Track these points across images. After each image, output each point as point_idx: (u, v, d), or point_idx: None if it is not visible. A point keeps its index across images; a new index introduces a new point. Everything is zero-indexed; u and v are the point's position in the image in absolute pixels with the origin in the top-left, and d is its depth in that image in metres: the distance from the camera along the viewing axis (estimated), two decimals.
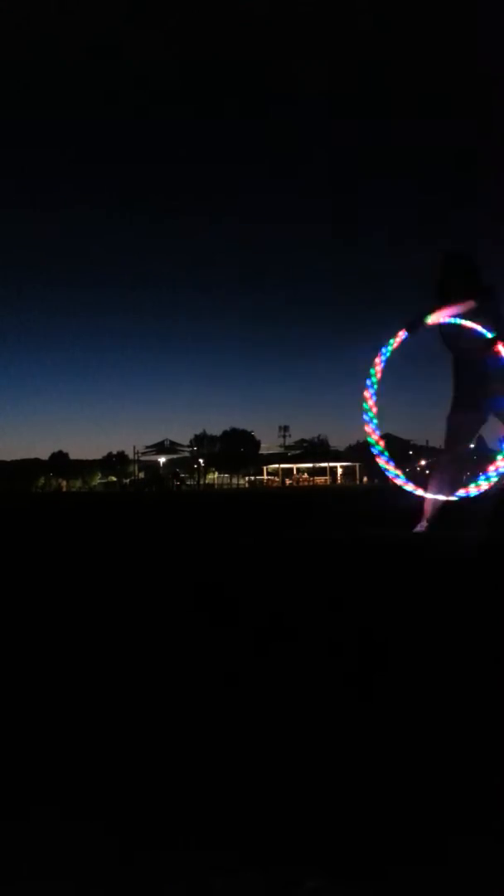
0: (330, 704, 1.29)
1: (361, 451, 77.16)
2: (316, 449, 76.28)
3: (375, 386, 4.49)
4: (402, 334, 4.49)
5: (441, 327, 4.44)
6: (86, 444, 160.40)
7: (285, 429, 77.76)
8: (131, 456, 78.71)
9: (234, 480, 71.35)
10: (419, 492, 4.38)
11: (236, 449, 69.89)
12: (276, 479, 70.83)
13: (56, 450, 77.82)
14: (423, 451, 76.65)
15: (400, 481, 4.43)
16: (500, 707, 1.26)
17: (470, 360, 4.38)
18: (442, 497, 4.31)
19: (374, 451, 4.56)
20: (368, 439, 4.58)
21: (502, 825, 0.81)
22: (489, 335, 4.27)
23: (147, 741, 1.10)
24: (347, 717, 1.21)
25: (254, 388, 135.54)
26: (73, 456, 78.47)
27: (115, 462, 76.97)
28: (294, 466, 72.03)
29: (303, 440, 80.00)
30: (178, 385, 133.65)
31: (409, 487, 4.42)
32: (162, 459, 77.51)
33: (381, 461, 4.48)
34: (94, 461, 78.48)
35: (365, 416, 4.48)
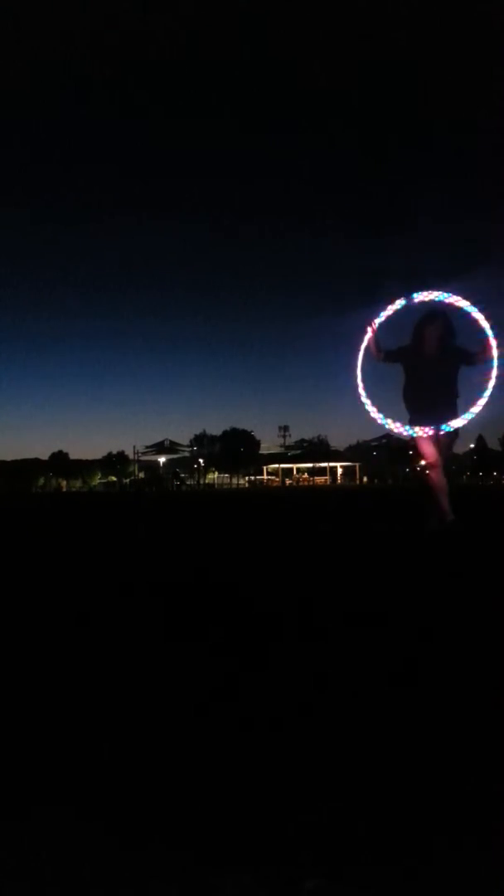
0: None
1: (361, 451, 77.22)
2: (316, 449, 76.13)
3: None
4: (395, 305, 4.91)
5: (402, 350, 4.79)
6: (86, 444, 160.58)
7: (285, 429, 77.75)
8: (131, 456, 78.63)
9: (234, 480, 71.24)
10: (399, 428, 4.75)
11: (236, 449, 69.74)
12: (276, 478, 70.70)
13: (56, 450, 77.99)
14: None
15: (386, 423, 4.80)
16: None
17: (423, 374, 4.65)
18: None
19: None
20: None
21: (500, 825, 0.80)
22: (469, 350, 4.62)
23: (146, 741, 1.09)
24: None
25: (254, 388, 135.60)
26: (73, 456, 78.72)
27: (115, 462, 76.85)
28: (294, 466, 71.91)
29: (303, 440, 79.89)
30: (178, 385, 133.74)
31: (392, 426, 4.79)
32: (162, 459, 77.39)
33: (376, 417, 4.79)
34: (94, 461, 78.40)
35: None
